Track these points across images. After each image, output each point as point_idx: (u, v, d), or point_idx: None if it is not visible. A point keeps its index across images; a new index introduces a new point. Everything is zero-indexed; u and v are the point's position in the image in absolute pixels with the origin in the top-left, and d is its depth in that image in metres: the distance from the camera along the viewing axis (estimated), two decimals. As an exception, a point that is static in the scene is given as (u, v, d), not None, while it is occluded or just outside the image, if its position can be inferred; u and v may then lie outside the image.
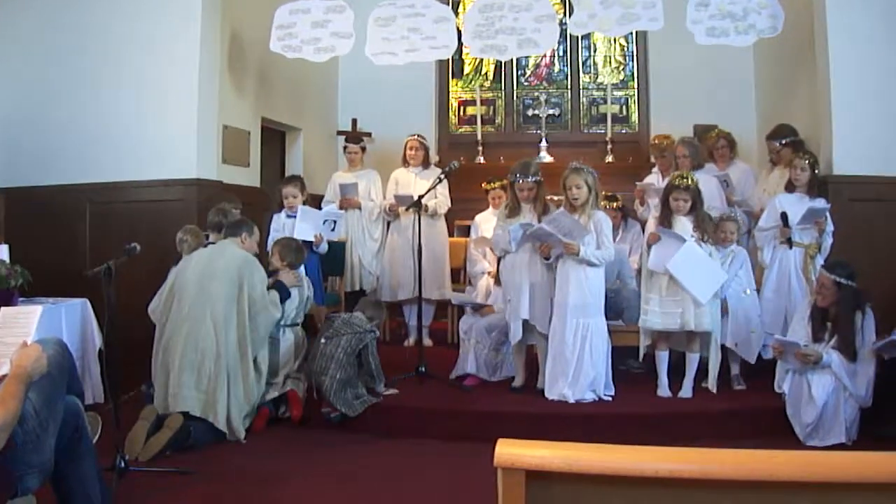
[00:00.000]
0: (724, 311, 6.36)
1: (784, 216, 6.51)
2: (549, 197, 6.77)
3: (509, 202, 6.66)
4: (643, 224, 7.39)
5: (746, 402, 6.20)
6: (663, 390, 6.32)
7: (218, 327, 5.84)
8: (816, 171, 6.71)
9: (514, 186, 6.55)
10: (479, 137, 11.55)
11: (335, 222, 7.76)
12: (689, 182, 6.30)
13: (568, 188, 6.31)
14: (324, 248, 7.67)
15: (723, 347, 6.43)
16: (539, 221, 6.35)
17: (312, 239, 7.47)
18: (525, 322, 6.42)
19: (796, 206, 6.54)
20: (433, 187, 7.36)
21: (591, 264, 6.17)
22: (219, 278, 5.94)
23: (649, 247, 6.35)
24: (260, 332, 6.11)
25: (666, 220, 6.38)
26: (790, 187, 6.70)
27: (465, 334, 7.03)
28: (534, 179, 6.45)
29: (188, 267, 6.09)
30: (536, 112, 11.64)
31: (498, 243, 6.63)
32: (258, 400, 6.06)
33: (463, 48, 9.18)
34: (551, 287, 6.43)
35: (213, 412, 5.75)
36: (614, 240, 6.67)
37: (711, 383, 6.32)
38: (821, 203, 6.55)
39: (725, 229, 6.54)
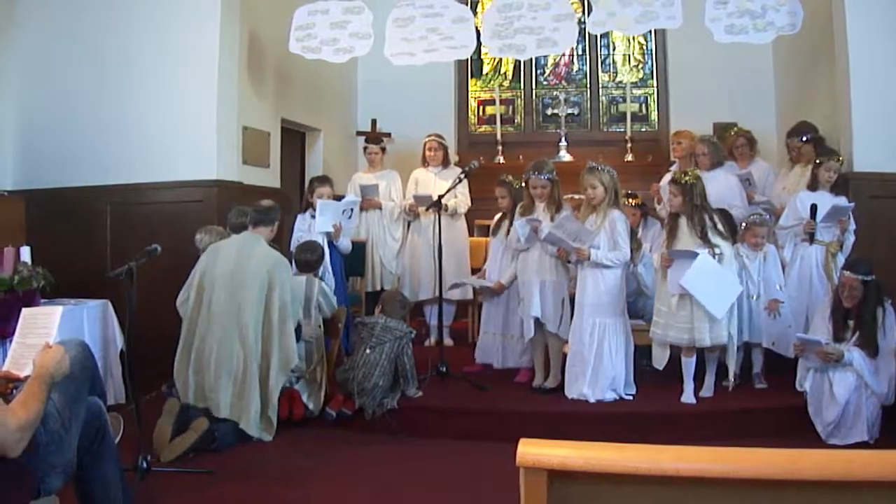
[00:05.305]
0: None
1: (814, 208, 6.46)
2: (569, 196, 6.77)
3: (525, 201, 6.71)
4: (662, 222, 7.37)
5: (768, 401, 6.17)
6: (688, 397, 6.15)
7: (248, 334, 5.86)
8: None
9: (528, 184, 6.59)
10: (499, 137, 11.55)
11: (352, 210, 7.74)
12: (684, 178, 6.21)
13: (584, 188, 6.33)
14: (346, 245, 7.69)
15: (746, 345, 6.44)
16: (552, 220, 6.39)
17: (331, 230, 7.45)
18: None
19: (819, 203, 6.50)
20: (453, 187, 7.33)
21: (605, 266, 6.18)
22: (249, 285, 5.93)
23: (665, 269, 6.26)
24: (289, 338, 6.07)
25: (673, 221, 6.32)
26: (813, 186, 6.66)
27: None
28: (546, 177, 6.48)
29: (216, 263, 6.07)
30: (556, 111, 11.63)
31: (511, 241, 6.70)
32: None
33: (482, 48, 9.19)
34: (564, 286, 6.48)
35: (245, 416, 5.80)
36: (634, 237, 6.63)
37: (731, 381, 6.26)
38: (844, 201, 6.51)
39: (756, 234, 6.47)
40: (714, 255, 6.04)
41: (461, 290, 8.25)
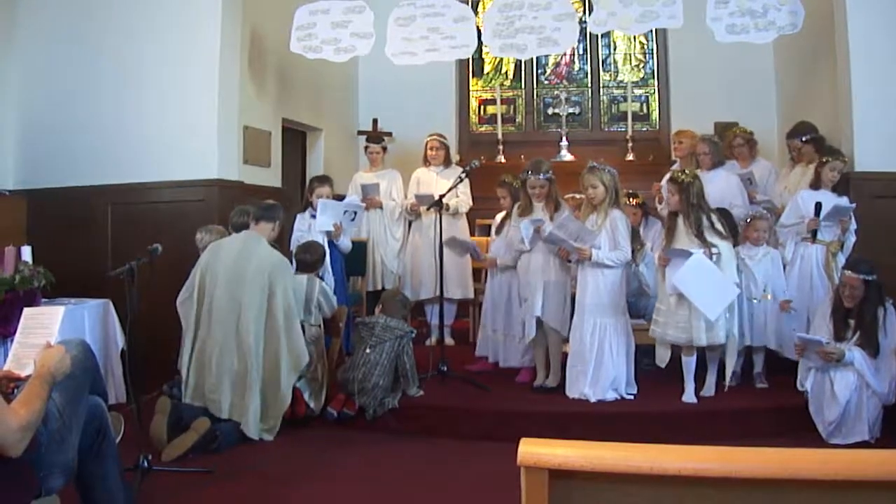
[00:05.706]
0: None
1: (818, 205, 6.45)
2: (570, 195, 6.77)
3: (522, 201, 6.70)
4: (664, 221, 7.36)
5: (769, 401, 6.16)
6: (689, 397, 6.14)
7: (248, 334, 5.86)
8: (840, 170, 6.70)
9: (525, 185, 6.59)
10: (500, 136, 11.55)
11: (355, 213, 7.72)
12: (682, 176, 6.21)
13: (585, 188, 6.31)
14: (347, 244, 7.66)
15: (746, 347, 6.43)
16: (551, 220, 6.39)
17: (332, 229, 7.43)
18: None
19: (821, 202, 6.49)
20: (454, 186, 7.31)
21: (606, 266, 6.17)
22: (249, 285, 5.93)
23: (663, 268, 6.26)
24: (297, 338, 6.06)
25: (672, 220, 6.32)
26: (816, 185, 6.65)
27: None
28: (545, 177, 6.48)
29: (217, 260, 6.07)
30: (557, 111, 11.65)
31: (513, 243, 6.69)
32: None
33: (483, 47, 9.19)
34: (567, 286, 6.48)
35: (245, 417, 5.81)
36: (637, 237, 6.64)
37: (728, 381, 6.23)
38: (846, 201, 6.51)
39: (758, 228, 6.47)
40: (710, 255, 6.02)
41: (462, 289, 8.27)
